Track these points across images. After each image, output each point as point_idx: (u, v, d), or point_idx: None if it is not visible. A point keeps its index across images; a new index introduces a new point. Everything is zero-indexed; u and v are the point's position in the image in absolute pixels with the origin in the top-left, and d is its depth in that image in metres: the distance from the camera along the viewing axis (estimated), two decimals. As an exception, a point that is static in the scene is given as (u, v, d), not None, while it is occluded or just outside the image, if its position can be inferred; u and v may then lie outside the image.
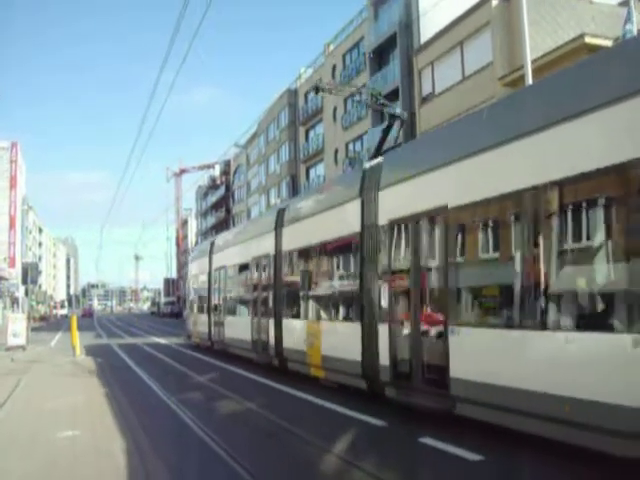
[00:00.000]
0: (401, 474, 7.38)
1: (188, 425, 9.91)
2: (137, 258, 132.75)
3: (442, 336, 9.57)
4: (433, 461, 7.97)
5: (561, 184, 7.51)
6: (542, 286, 7.76)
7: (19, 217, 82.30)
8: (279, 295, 16.87)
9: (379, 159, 12.57)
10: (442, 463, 7.88)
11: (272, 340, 16.85)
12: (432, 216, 10.16)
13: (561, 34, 26.93)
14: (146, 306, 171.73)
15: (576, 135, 7.32)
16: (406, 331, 10.78)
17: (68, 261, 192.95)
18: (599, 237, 7.32)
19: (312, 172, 54.23)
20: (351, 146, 45.73)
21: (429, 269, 10.46)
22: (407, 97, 36.83)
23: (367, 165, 12.88)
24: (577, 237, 7.60)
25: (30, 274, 52.38)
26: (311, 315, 14.91)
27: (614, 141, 6.85)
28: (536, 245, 7.97)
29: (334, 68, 48.37)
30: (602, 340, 6.86)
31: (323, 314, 14.51)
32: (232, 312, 21.99)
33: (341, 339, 13.10)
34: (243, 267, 20.75)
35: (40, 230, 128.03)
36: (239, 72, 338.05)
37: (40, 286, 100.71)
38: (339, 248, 13.71)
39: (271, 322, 17.05)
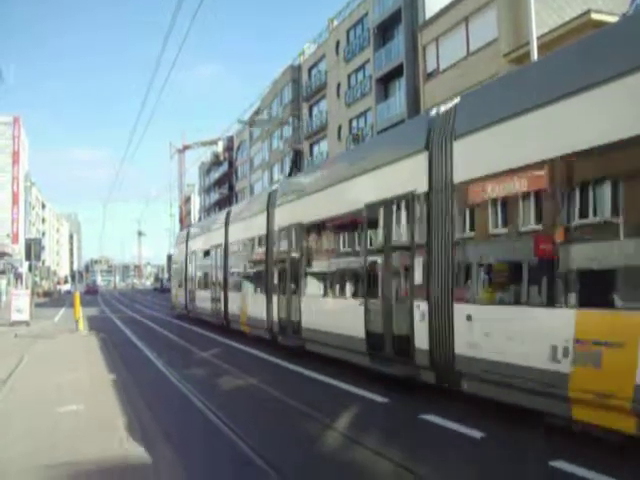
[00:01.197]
0: (403, 451, 7.38)
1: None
2: (140, 234, 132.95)
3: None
4: (435, 438, 8.00)
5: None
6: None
7: (22, 193, 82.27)
8: (226, 275, 23.42)
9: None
10: (444, 440, 7.92)
11: (222, 308, 23.60)
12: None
13: (567, 10, 26.62)
14: (149, 282, 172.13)
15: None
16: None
17: (71, 237, 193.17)
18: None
19: (316, 148, 54.06)
20: (355, 122, 45.52)
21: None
22: (411, 73, 36.61)
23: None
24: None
25: (33, 250, 52.45)
26: (243, 290, 21.25)
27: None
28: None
29: (338, 44, 48.03)
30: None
31: (247, 288, 20.91)
32: (199, 287, 28.73)
33: (256, 303, 19.20)
34: (206, 253, 27.18)
35: (43, 206, 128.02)
36: (242, 51, 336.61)
37: (44, 262, 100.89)
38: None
39: (221, 295, 23.84)
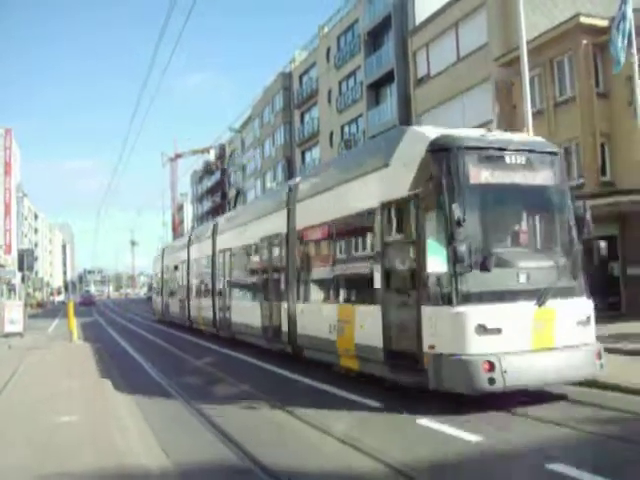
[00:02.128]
0: (402, 455, 7.37)
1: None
2: (133, 244, 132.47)
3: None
4: (432, 442, 7.99)
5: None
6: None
7: (14, 204, 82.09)
8: (189, 285, 29.81)
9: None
10: (441, 444, 7.91)
11: (186, 312, 30.12)
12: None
13: (557, 14, 26.76)
14: (143, 292, 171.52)
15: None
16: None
17: (64, 247, 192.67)
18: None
19: (308, 155, 54.13)
20: (347, 129, 45.61)
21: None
22: (402, 79, 36.75)
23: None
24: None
25: (26, 261, 52.35)
26: (198, 297, 27.61)
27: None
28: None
29: (328, 51, 48.17)
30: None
31: (200, 296, 27.44)
32: (171, 296, 35.03)
33: (206, 307, 25.56)
34: (175, 267, 34.06)
35: (36, 216, 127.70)
36: (233, 58, 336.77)
37: (37, 273, 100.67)
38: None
39: (185, 302, 30.54)
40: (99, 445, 7.70)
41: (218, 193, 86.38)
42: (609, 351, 11.60)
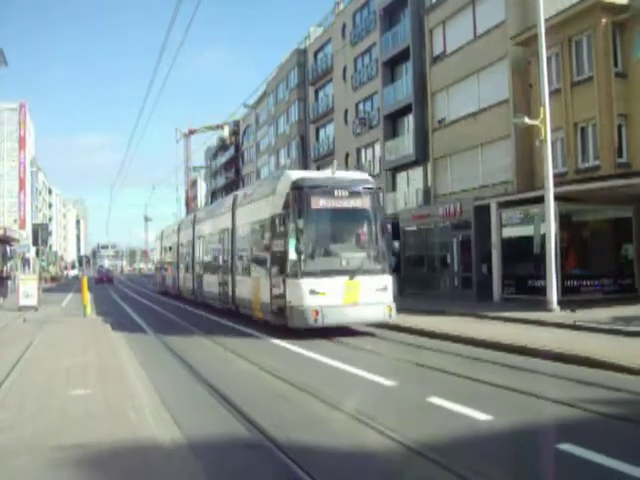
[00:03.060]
0: (412, 433, 7.45)
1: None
2: (147, 219, 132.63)
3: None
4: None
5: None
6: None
7: (28, 179, 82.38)
8: (178, 263, 37.81)
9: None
10: (451, 422, 7.96)
11: (177, 284, 37.98)
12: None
13: (575, -8, 26.37)
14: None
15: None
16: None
17: (78, 222, 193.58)
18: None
19: (322, 132, 53.94)
20: (361, 106, 45.39)
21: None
22: (418, 56, 36.43)
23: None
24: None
25: (40, 235, 52.66)
26: (184, 272, 35.73)
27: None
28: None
29: (344, 27, 47.81)
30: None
31: (182, 271, 36.28)
32: (165, 271, 43.99)
33: (187, 279, 34.42)
34: (170, 248, 41.82)
35: (50, 191, 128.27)
36: (248, 35, 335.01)
37: (50, 247, 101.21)
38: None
39: (176, 276, 38.38)
40: (113, 418, 7.78)
41: (232, 169, 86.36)
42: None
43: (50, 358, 12.93)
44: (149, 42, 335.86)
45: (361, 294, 17.01)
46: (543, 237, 21.07)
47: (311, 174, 20.40)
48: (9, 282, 35.16)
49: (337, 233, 18.55)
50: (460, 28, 31.88)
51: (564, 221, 22.48)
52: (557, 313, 18.82)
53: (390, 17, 40.73)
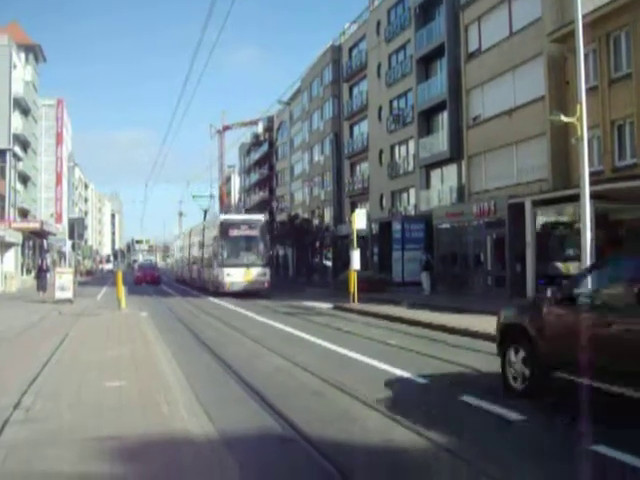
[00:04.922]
0: (444, 431, 7.45)
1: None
2: (181, 214, 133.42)
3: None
4: (474, 419, 8.01)
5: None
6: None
7: (65, 173, 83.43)
8: (183, 260, 57.49)
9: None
10: (483, 422, 7.92)
11: (186, 275, 54.11)
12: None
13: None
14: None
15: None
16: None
17: (113, 216, 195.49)
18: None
19: (356, 129, 53.89)
20: (395, 103, 45.27)
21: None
22: (452, 53, 36.24)
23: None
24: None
25: (77, 229, 53.38)
26: (191, 266, 51.07)
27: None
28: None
29: (378, 24, 47.73)
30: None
31: (191, 266, 51.28)
32: (178, 266, 63.31)
33: (186, 269, 54.24)
34: (182, 248, 59.08)
35: (86, 186, 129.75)
36: (282, 31, 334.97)
37: (86, 241, 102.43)
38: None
39: (186, 269, 54.57)
40: (146, 410, 7.87)
41: (266, 165, 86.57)
42: None
43: (85, 350, 13.11)
44: (184, 38, 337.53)
45: (252, 276, 35.89)
46: (579, 236, 20.83)
47: (230, 216, 46.90)
48: (48, 275, 35.60)
49: (241, 246, 36.88)
50: (495, 24, 31.63)
51: (600, 220, 22.19)
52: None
53: (425, 14, 40.55)
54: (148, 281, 54.60)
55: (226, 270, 35.09)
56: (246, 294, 34.38)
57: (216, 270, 36.34)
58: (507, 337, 9.48)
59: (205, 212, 60.09)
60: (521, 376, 8.89)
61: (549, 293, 9.00)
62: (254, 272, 35.53)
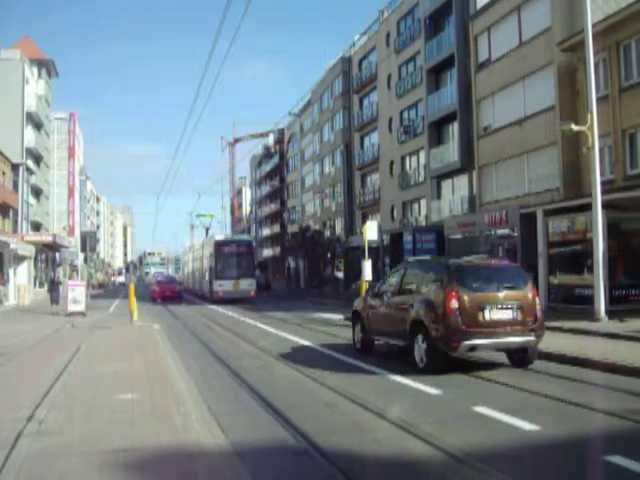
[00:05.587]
0: (457, 441, 7.42)
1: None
2: (192, 227, 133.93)
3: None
4: (487, 429, 7.97)
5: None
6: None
7: (77, 187, 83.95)
8: (189, 272, 64.51)
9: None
10: (496, 431, 7.88)
11: (195, 286, 56.90)
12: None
13: (624, -4, 26.00)
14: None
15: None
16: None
17: (125, 229, 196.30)
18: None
19: (366, 140, 53.95)
20: (406, 114, 45.31)
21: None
22: (462, 64, 36.27)
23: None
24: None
25: (89, 242, 53.66)
26: (198, 277, 54.92)
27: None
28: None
29: (388, 35, 47.87)
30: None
31: (196, 277, 57.14)
32: (185, 277, 69.77)
33: (191, 279, 61.75)
34: (186, 262, 70.60)
35: (98, 199, 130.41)
36: (293, 45, 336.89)
37: (98, 254, 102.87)
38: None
39: (194, 280, 58.82)
40: (159, 422, 7.89)
41: (277, 177, 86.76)
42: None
43: (97, 363, 13.15)
44: (196, 50, 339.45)
45: (240, 286, 41.56)
46: (590, 246, 20.75)
47: (223, 237, 49.30)
48: (61, 288, 35.79)
49: (232, 262, 42.52)
50: (505, 34, 31.65)
51: (612, 229, 22.10)
52: (605, 323, 18.45)
53: (434, 25, 40.65)
54: (167, 296, 47.32)
55: (219, 282, 41.65)
56: (236, 300, 41.05)
57: (211, 281, 42.80)
58: (354, 317, 16.00)
59: (207, 230, 63.83)
60: (360, 340, 15.44)
61: (372, 291, 15.69)
62: (242, 283, 41.82)
